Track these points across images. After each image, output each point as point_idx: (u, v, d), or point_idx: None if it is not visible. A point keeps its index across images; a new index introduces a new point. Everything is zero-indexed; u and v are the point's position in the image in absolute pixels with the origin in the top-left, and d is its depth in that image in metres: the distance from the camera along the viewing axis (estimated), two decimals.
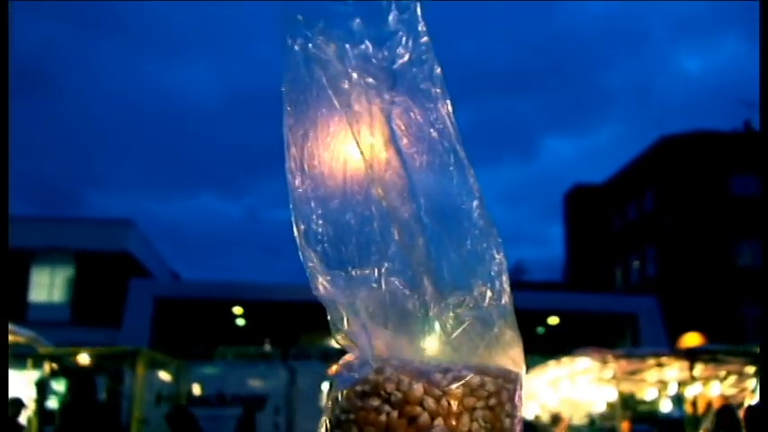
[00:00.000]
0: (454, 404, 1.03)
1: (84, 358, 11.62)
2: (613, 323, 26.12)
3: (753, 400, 9.58)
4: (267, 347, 24.88)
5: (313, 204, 1.11)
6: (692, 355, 10.32)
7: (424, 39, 1.11)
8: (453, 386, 1.03)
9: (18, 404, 9.16)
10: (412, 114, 1.12)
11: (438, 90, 1.12)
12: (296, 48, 1.12)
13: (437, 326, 1.08)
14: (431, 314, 1.07)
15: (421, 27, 1.11)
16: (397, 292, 1.08)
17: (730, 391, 11.00)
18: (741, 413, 7.99)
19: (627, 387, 12.59)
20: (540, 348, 17.58)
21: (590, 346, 12.36)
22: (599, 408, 14.13)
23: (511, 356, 1.11)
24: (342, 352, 1.12)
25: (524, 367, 1.13)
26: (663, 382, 12.16)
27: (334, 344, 1.12)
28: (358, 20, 1.11)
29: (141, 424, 12.30)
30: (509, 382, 1.09)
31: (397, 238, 1.09)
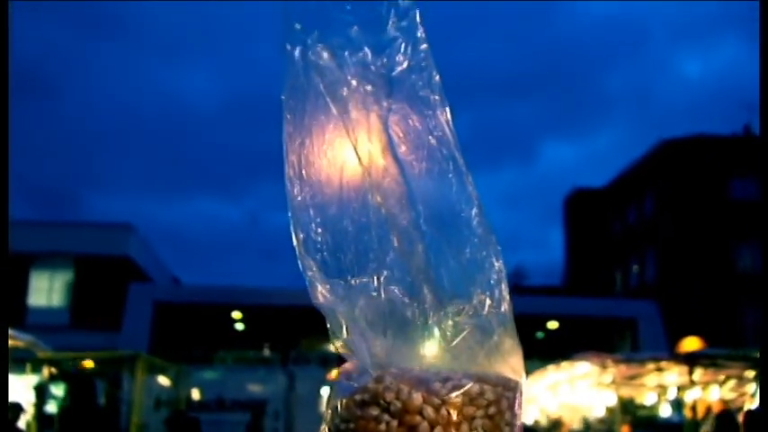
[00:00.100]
0: (454, 413, 1.02)
1: (87, 363, 11.63)
2: (613, 327, 26.15)
3: (752, 404, 9.58)
4: (266, 352, 24.89)
5: (312, 213, 1.11)
6: (691, 360, 10.32)
7: (423, 46, 1.11)
8: (453, 395, 1.03)
9: (17, 409, 9.14)
10: (410, 121, 1.11)
11: (437, 97, 1.12)
12: (295, 55, 1.12)
13: (436, 334, 1.07)
14: (430, 322, 1.07)
15: (420, 34, 1.11)
16: (397, 301, 1.08)
17: (730, 396, 11.01)
18: (741, 418, 7.98)
19: (626, 392, 12.61)
20: (540, 353, 17.61)
21: (589, 350, 12.35)
22: (598, 412, 14.13)
23: (510, 364, 1.10)
24: (341, 357, 1.12)
25: (524, 375, 1.12)
26: (662, 386, 12.18)
27: (333, 349, 1.12)
28: (357, 27, 1.11)
29: (140, 429, 12.29)
30: (509, 390, 1.09)
31: (395, 245, 1.08)
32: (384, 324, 1.08)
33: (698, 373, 10.43)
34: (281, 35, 1.12)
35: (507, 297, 1.11)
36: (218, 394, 19.98)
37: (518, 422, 1.09)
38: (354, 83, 1.11)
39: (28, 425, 10.52)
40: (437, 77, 1.12)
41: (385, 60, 1.11)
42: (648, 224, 37.03)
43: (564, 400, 13.98)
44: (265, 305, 23.43)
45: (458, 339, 1.07)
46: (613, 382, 11.40)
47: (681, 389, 11.29)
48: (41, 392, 11.21)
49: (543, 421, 15.22)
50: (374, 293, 1.08)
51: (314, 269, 1.09)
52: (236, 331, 26.52)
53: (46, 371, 11.25)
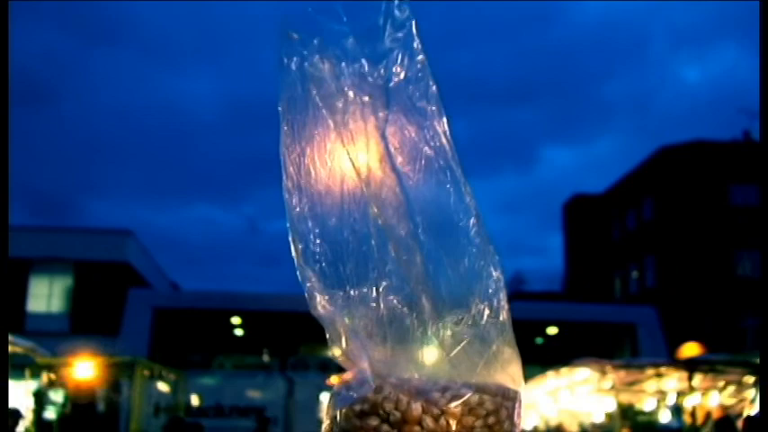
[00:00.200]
0: (453, 423, 1.02)
1: (86, 369, 11.59)
2: (612, 333, 26.08)
3: (752, 410, 9.57)
4: (266, 358, 24.85)
5: (310, 224, 1.11)
6: (691, 366, 10.31)
7: (420, 57, 1.11)
8: (452, 405, 1.03)
9: (16, 415, 9.13)
10: (407, 132, 1.12)
11: (434, 108, 1.12)
12: (292, 66, 1.12)
13: (435, 344, 1.07)
14: (429, 332, 1.07)
15: (416, 45, 1.11)
16: (396, 311, 1.08)
17: (729, 402, 10.99)
18: (740, 424, 7.98)
19: (626, 397, 12.59)
20: (539, 359, 17.53)
21: (589, 356, 12.34)
22: (598, 418, 14.11)
23: (510, 374, 1.10)
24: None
25: (523, 384, 1.12)
26: (662, 392, 12.16)
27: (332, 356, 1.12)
28: (353, 38, 1.11)
29: None
30: (508, 399, 1.09)
31: (394, 256, 1.08)
32: (383, 334, 1.08)
33: (697, 379, 10.43)
34: (279, 46, 1.13)
35: (506, 306, 1.11)
36: (216, 400, 19.94)
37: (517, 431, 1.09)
38: (351, 94, 1.11)
39: (27, 431, 10.50)
40: (434, 88, 1.12)
41: (382, 71, 1.12)
42: (648, 230, 37.00)
43: (563, 406, 13.97)
44: (264, 311, 23.37)
45: (457, 349, 1.07)
46: (613, 387, 11.37)
47: (680, 395, 11.26)
48: (40, 398, 11.20)
49: (543, 427, 15.19)
50: (373, 304, 1.08)
51: (313, 280, 1.09)
52: (235, 337, 26.46)
53: (45, 377, 11.23)
